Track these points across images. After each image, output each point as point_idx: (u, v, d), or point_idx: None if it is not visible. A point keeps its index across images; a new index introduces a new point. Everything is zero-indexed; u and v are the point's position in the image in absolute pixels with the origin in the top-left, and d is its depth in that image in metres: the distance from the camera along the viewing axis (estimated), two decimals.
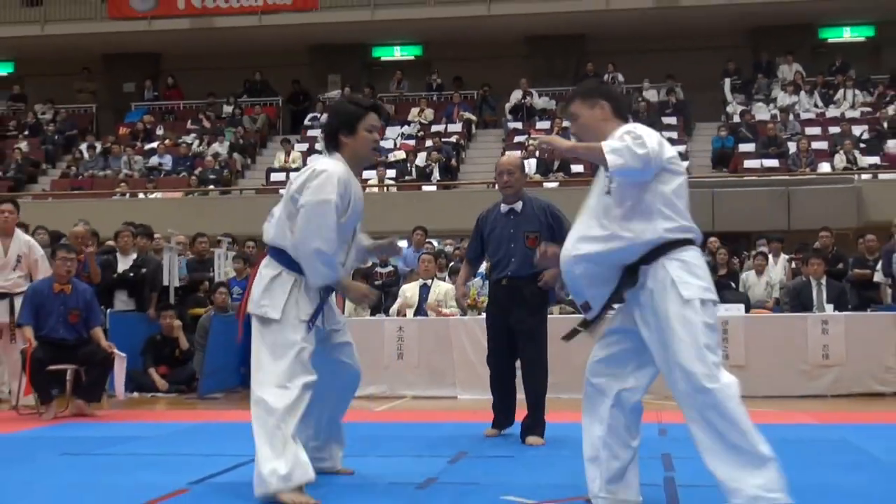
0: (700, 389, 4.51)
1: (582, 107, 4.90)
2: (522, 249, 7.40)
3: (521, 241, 7.45)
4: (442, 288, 12.30)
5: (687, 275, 4.52)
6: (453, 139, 23.91)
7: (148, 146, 25.19)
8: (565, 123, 23.56)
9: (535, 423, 7.37)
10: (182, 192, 22.99)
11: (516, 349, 7.57)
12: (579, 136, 4.90)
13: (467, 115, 25.27)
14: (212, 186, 22.97)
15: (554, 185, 21.00)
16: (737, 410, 4.51)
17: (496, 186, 7.91)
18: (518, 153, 8.69)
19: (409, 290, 12.41)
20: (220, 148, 24.51)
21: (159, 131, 26.19)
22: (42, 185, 24.64)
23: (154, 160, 24.36)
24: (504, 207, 7.65)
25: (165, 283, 12.98)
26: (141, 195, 22.79)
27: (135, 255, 12.82)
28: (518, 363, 7.69)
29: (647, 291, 4.55)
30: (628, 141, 4.48)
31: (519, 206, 7.58)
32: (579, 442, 7.00)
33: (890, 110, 23.03)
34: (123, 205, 21.62)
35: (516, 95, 25.34)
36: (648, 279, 4.54)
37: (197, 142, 25.11)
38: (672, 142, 22.62)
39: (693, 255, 4.60)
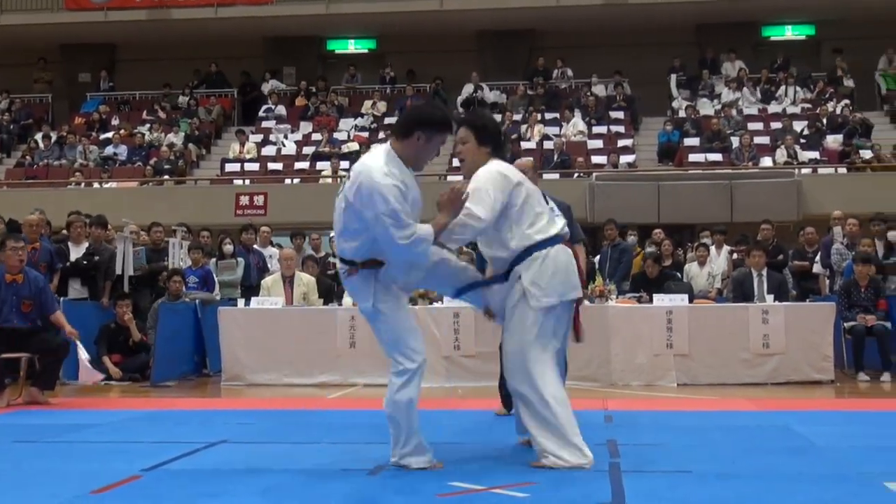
0: None
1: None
2: None
3: None
4: None
5: None
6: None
7: (103, 136, 24.92)
8: (516, 117, 23.63)
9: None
10: (137, 181, 22.75)
11: None
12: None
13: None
14: (167, 176, 22.76)
15: None
16: None
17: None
18: (530, 160, 8.75)
19: None
20: (175, 138, 24.30)
21: (115, 121, 25.94)
22: None
23: (109, 150, 24.11)
24: None
25: (120, 271, 12.84)
26: (96, 185, 22.55)
27: (87, 244, 12.70)
28: None
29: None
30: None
31: None
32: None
33: (829, 107, 23.28)
34: (78, 194, 21.35)
35: (468, 89, 25.34)
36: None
37: (152, 132, 24.85)
38: (619, 136, 22.89)
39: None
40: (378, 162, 5.28)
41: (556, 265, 5.56)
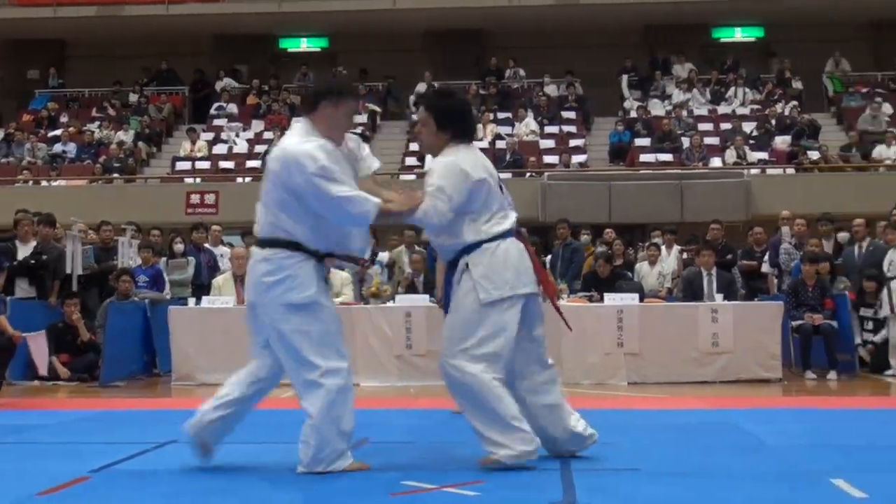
0: None
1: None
2: None
3: None
4: (338, 277, 12.24)
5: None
6: (358, 130, 23.76)
7: (52, 134, 24.63)
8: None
9: None
10: (86, 180, 22.51)
11: None
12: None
13: (372, 106, 25.17)
14: (116, 175, 22.53)
15: None
16: None
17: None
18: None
19: (335, 279, 12.28)
20: (125, 136, 24.08)
21: (63, 119, 25.63)
22: None
23: (58, 148, 23.83)
24: None
25: (68, 271, 12.69)
26: (44, 183, 22.28)
27: (35, 243, 12.54)
28: None
29: None
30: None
31: None
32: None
33: (778, 108, 23.53)
34: (26, 192, 21.09)
35: (421, 88, 25.28)
36: None
37: (101, 130, 24.60)
38: (571, 135, 22.96)
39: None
40: (296, 137, 5.30)
41: (508, 258, 5.45)
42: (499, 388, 5.34)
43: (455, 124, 5.61)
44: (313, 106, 5.39)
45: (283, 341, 5.29)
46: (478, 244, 5.44)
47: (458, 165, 5.44)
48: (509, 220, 5.56)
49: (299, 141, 5.22)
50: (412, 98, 25.12)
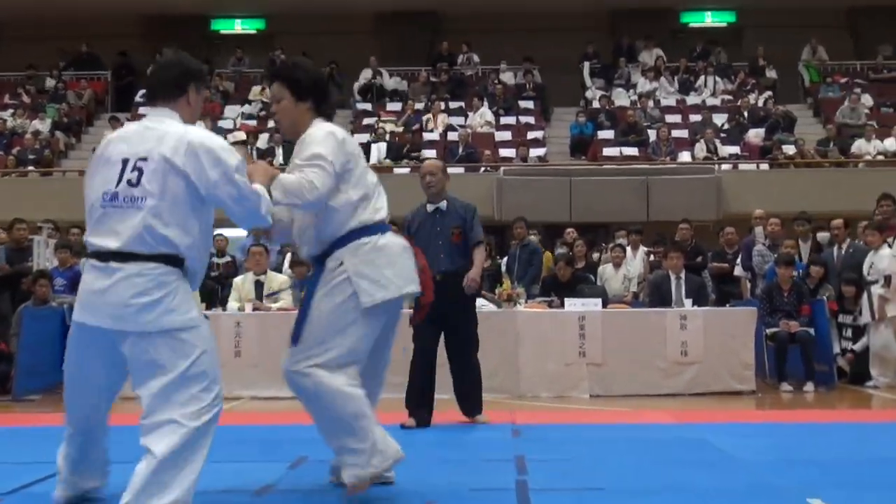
0: None
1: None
2: (449, 245, 8.51)
3: (447, 238, 8.53)
4: (276, 280, 12.21)
5: None
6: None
7: None
8: (418, 105, 23.64)
9: (477, 401, 8.69)
10: None
11: (437, 345, 8.55)
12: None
13: None
14: (31, 168, 22.27)
15: (405, 170, 21.01)
16: None
17: (422, 187, 8.75)
18: (438, 162, 9.37)
19: (244, 283, 12.25)
20: (41, 125, 23.80)
21: None
22: None
23: None
24: (430, 207, 8.67)
25: None
26: None
27: None
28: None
29: None
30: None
31: (444, 205, 8.64)
32: (430, 445, 7.04)
33: (751, 98, 23.73)
34: None
35: (366, 75, 25.29)
36: None
37: (15, 118, 24.31)
38: (529, 127, 23.02)
39: None
40: (184, 125, 4.74)
41: (391, 254, 5.26)
42: (365, 404, 5.15)
43: (314, 91, 5.37)
44: (181, 90, 4.84)
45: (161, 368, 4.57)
46: (356, 234, 5.20)
47: (334, 133, 5.21)
48: (385, 208, 5.37)
49: (195, 131, 4.72)
50: (356, 86, 25.11)
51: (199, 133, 4.71)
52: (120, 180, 4.60)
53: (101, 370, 4.83)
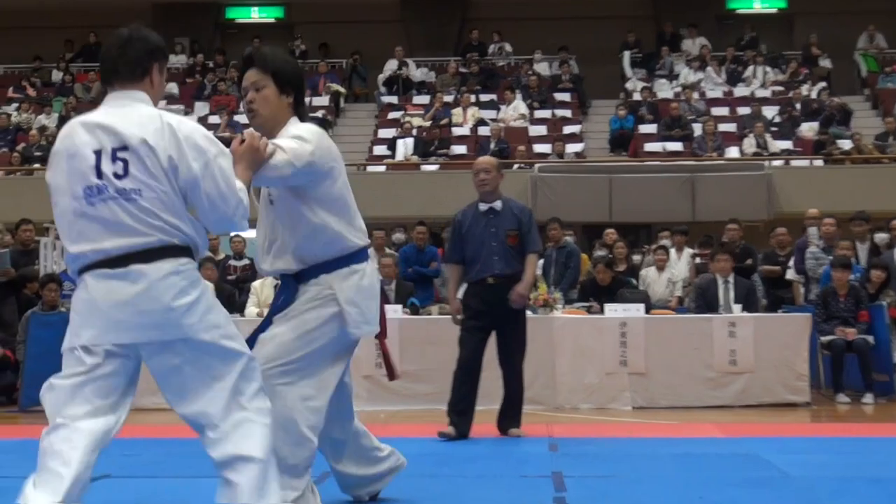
0: None
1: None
2: (504, 248, 8.52)
3: (502, 240, 8.51)
4: None
5: None
6: (319, 114, 23.76)
7: None
8: (447, 98, 23.66)
9: (516, 416, 8.72)
10: (2, 170, 22.41)
11: (483, 353, 8.56)
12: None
13: (335, 86, 25.15)
14: (37, 165, 22.43)
15: (434, 167, 21.05)
16: None
17: (475, 185, 8.71)
18: (492, 159, 9.42)
19: (262, 287, 12.29)
20: (48, 120, 23.97)
21: None
22: None
23: None
24: (483, 206, 8.64)
25: None
26: None
27: None
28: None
29: None
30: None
31: (498, 204, 8.62)
32: (465, 460, 7.07)
33: (803, 90, 23.61)
34: None
35: (391, 66, 25.33)
36: None
37: (20, 113, 24.50)
38: (565, 121, 23.00)
39: None
40: (157, 109, 4.46)
41: (375, 287, 5.12)
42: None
43: (297, 87, 5.10)
44: (143, 70, 4.47)
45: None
46: (346, 260, 4.99)
47: (321, 131, 4.97)
48: (365, 231, 5.18)
49: (171, 115, 4.43)
50: (381, 78, 25.16)
51: (176, 118, 4.39)
52: (100, 174, 4.24)
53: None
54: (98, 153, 4.24)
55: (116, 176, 4.21)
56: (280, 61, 5.07)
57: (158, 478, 6.58)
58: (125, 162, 4.23)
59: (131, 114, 4.31)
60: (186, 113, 24.35)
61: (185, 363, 4.24)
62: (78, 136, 4.31)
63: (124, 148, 4.23)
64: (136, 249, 4.21)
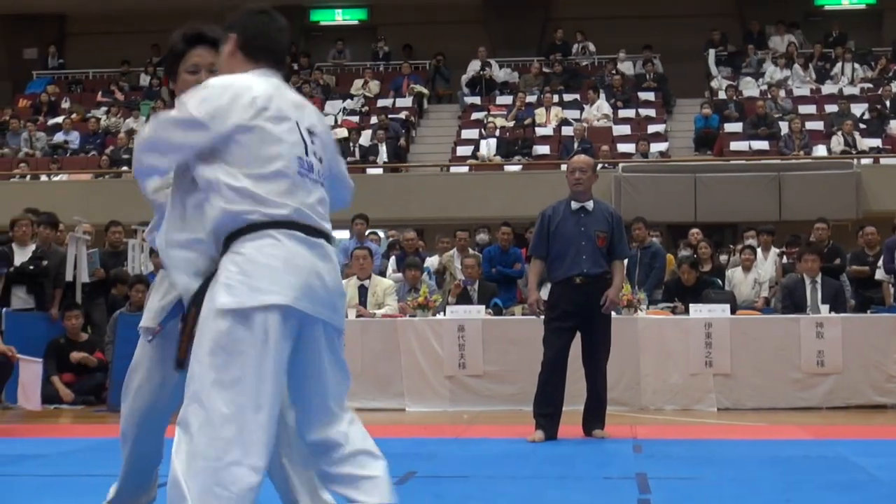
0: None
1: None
2: (593, 248, 8.52)
3: (592, 240, 8.51)
4: (381, 285, 12.29)
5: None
6: (402, 115, 23.89)
7: (52, 121, 24.92)
8: (530, 98, 23.65)
9: (599, 416, 8.63)
10: (91, 173, 22.75)
11: (568, 351, 8.55)
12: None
13: (418, 87, 25.24)
14: (126, 168, 22.74)
15: (517, 167, 21.04)
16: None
17: (569, 183, 8.72)
18: (588, 158, 9.44)
19: (346, 287, 12.36)
20: (136, 124, 24.25)
21: (65, 104, 25.92)
22: None
23: (59, 137, 24.09)
24: (574, 205, 8.63)
25: (70, 278, 12.81)
26: (44, 177, 22.55)
27: (34, 246, 12.68)
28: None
29: None
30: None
31: (590, 204, 8.65)
32: (548, 461, 7.05)
33: (893, 87, 23.26)
34: (23, 188, 21.37)
35: (474, 66, 25.34)
36: None
37: (108, 117, 24.87)
38: (650, 120, 22.88)
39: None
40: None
41: None
42: None
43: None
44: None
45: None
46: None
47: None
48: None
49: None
50: (464, 79, 25.18)
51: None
52: (306, 150, 4.03)
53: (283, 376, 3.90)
54: (298, 126, 4.05)
55: (316, 157, 4.08)
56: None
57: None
58: (315, 145, 4.11)
59: (295, 96, 4.17)
60: None
61: (327, 355, 3.97)
62: (278, 101, 4.05)
63: (312, 132, 4.10)
64: (325, 229, 4.03)
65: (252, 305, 3.70)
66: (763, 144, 21.67)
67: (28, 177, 22.44)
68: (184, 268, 4.01)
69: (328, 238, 3.98)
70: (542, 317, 8.70)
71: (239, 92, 3.92)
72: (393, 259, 14.74)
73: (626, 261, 9.25)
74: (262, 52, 4.15)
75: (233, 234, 3.84)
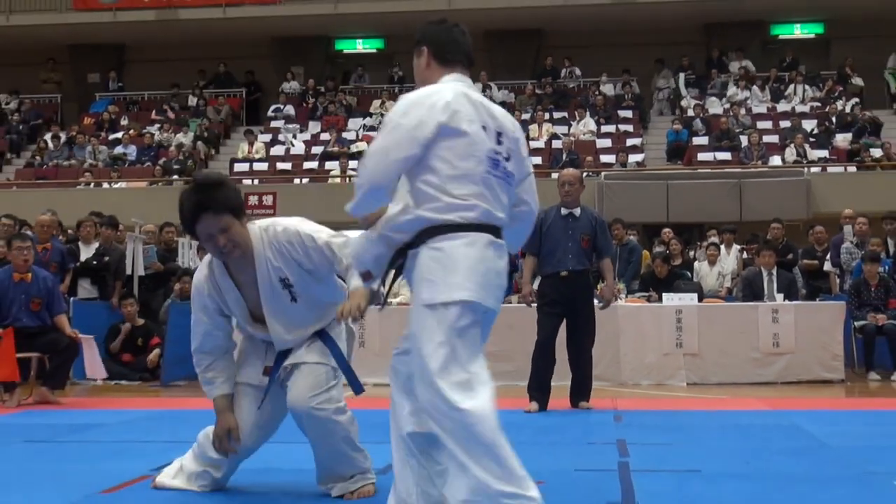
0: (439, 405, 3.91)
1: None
2: (578, 248, 8.63)
3: (577, 241, 8.65)
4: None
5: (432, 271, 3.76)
6: None
7: (112, 136, 24.96)
8: (524, 116, 23.61)
9: (585, 391, 8.70)
10: (146, 181, 22.79)
11: (556, 336, 8.61)
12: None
13: None
14: (176, 176, 22.78)
15: None
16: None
17: (560, 193, 8.86)
18: (576, 172, 9.55)
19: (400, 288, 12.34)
20: (184, 138, 24.33)
21: (124, 122, 25.97)
22: (7, 175, 24.33)
23: (119, 150, 24.15)
24: (564, 211, 8.76)
25: (129, 271, 12.84)
26: (105, 185, 22.58)
27: (97, 244, 12.73)
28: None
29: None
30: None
31: (577, 211, 8.77)
32: (540, 430, 7.03)
33: (838, 105, 23.22)
34: (88, 194, 21.39)
35: (476, 88, 25.27)
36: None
37: (161, 132, 24.90)
38: (628, 134, 22.84)
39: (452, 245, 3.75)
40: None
41: None
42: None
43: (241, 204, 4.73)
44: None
45: None
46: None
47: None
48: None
49: None
50: None
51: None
52: (498, 150, 3.86)
53: None
54: (486, 129, 3.94)
55: (506, 160, 3.93)
56: (225, 196, 4.54)
57: (284, 443, 6.63)
58: (508, 149, 3.98)
59: (488, 104, 4.10)
60: (301, 131, 24.60)
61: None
62: (467, 104, 4.00)
63: (501, 134, 3.98)
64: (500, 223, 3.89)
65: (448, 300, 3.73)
66: (726, 155, 21.67)
67: (92, 184, 22.46)
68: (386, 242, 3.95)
69: (500, 233, 3.83)
70: (535, 304, 8.76)
71: (434, 101, 3.87)
72: None
73: (610, 259, 9.26)
74: (454, 57, 4.21)
75: (428, 231, 3.75)
